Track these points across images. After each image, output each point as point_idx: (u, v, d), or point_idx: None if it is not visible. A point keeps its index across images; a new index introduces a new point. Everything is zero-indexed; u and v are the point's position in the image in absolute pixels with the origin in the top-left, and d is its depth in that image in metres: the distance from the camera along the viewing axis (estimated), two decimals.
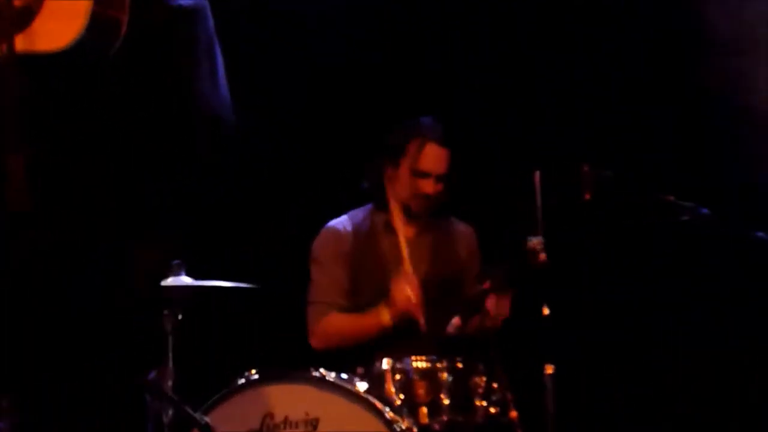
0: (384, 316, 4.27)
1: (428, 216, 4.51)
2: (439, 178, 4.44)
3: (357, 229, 4.52)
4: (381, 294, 4.35)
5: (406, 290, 4.25)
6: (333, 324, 4.38)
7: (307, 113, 5.03)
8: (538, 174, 3.99)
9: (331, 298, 4.42)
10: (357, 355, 4.21)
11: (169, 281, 3.89)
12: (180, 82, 2.54)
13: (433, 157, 4.44)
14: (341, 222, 4.56)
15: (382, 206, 4.50)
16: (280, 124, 5.02)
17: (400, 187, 4.46)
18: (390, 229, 4.49)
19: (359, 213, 4.59)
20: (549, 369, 3.95)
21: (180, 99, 2.53)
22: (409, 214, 4.48)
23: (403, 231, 4.47)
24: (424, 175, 4.43)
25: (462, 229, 4.65)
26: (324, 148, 5.05)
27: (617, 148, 4.76)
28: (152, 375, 2.61)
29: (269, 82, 4.98)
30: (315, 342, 4.41)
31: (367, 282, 4.43)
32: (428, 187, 4.43)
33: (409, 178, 4.44)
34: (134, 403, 2.54)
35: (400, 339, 4.26)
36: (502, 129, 5.03)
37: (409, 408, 3.94)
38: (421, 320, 4.25)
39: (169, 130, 2.53)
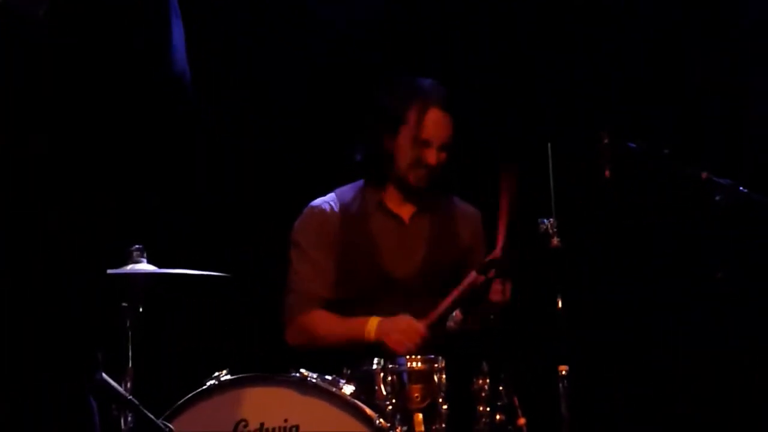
0: (369, 333, 4.02)
1: (427, 192, 4.24)
2: (442, 147, 4.19)
3: (346, 210, 4.23)
4: (371, 286, 4.10)
5: (410, 342, 3.94)
6: (313, 323, 4.14)
7: (293, 92, 4.94)
8: (550, 147, 3.74)
9: (314, 290, 4.16)
10: (343, 354, 3.94)
11: (128, 269, 3.75)
12: (149, 43, 2.34)
13: (435, 123, 4.18)
14: (327, 201, 4.26)
15: (376, 182, 4.25)
16: (259, 95, 4.91)
17: (398, 159, 4.20)
18: (384, 209, 4.23)
19: (348, 191, 4.30)
20: (563, 370, 3.70)
21: (150, 62, 2.33)
22: (406, 189, 4.22)
23: (400, 211, 4.23)
24: (426, 144, 4.17)
25: (466, 210, 4.37)
26: (309, 117, 4.90)
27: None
28: (99, 375, 2.26)
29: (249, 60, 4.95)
30: (290, 338, 4.17)
31: (356, 271, 4.15)
32: (431, 156, 4.17)
33: (409, 149, 4.17)
34: (76, 410, 2.19)
35: None
36: (510, 98, 4.92)
37: (403, 414, 3.67)
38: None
39: (133, 96, 2.33)
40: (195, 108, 2.41)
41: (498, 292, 3.85)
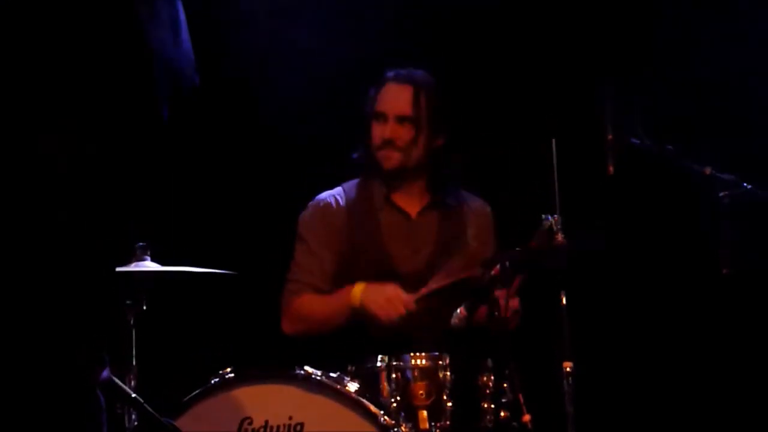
0: (355, 297, 3.99)
1: (436, 187, 4.17)
2: (399, 119, 4.11)
3: (352, 204, 4.19)
4: (377, 281, 4.03)
5: (394, 311, 3.92)
6: (305, 305, 4.11)
7: (300, 87, 4.85)
8: (554, 143, 3.70)
9: (311, 281, 4.13)
10: (348, 351, 3.92)
11: (132, 266, 3.74)
12: (135, 30, 2.34)
13: (388, 95, 4.13)
14: (333, 194, 4.23)
15: (369, 175, 4.19)
16: (265, 91, 4.85)
17: (371, 145, 4.15)
18: (391, 203, 4.18)
19: (355, 185, 4.25)
20: (567, 366, 3.69)
21: (135, 50, 2.33)
22: (382, 174, 4.14)
23: (406, 205, 4.16)
24: (382, 117, 4.12)
25: (476, 206, 4.28)
26: (314, 114, 4.84)
27: None
28: (106, 374, 2.25)
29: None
30: (286, 326, 4.15)
31: (361, 266, 4.11)
32: (386, 130, 4.09)
33: (371, 128, 4.13)
34: (83, 407, 2.18)
35: (397, 332, 3.96)
36: (516, 94, 4.85)
37: (407, 411, 3.66)
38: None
39: (120, 83, 2.32)
40: (198, 91, 2.41)
41: (503, 293, 3.75)
